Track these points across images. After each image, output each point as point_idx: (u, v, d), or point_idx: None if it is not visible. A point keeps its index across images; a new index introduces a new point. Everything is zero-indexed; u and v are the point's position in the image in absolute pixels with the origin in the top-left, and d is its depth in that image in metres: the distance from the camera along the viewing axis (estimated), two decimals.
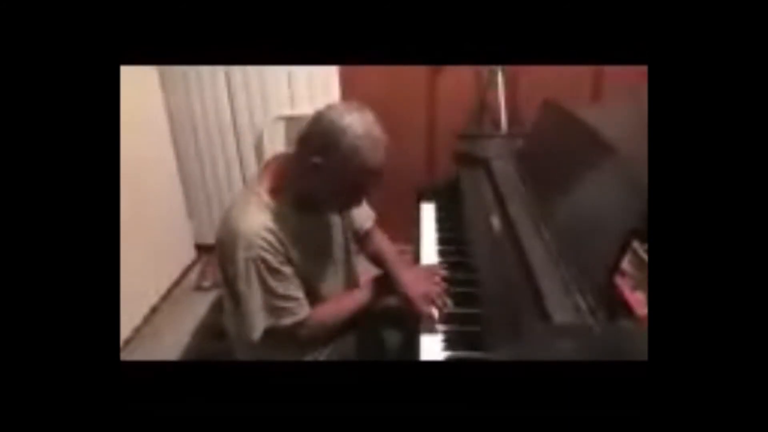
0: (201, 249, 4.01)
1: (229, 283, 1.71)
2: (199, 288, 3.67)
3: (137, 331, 3.21)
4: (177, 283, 3.72)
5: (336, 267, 1.93)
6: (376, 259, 2.10)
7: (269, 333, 1.70)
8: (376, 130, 1.59)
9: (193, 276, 3.82)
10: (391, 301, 1.97)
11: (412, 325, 1.77)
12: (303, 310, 1.73)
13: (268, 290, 1.65)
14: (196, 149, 3.73)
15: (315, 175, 1.61)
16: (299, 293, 1.72)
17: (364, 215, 2.10)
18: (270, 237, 1.61)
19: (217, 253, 1.74)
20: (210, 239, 3.93)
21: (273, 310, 1.68)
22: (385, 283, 1.90)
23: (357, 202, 1.77)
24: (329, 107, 1.62)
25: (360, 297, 1.87)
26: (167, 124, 3.61)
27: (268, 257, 1.61)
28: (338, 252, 1.95)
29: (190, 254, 3.96)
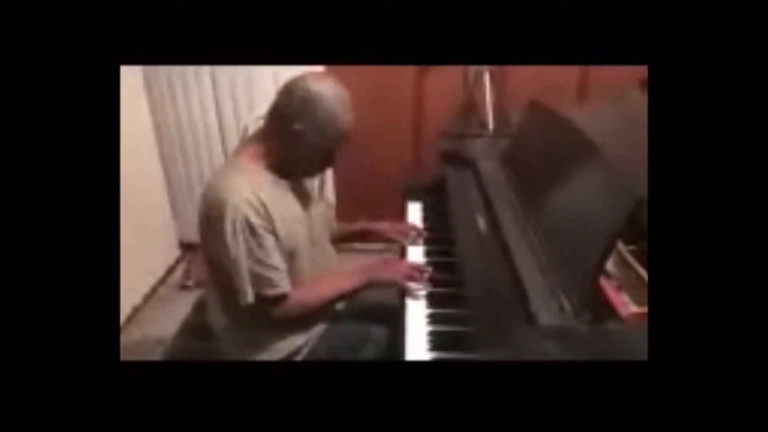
0: (185, 247, 3.97)
1: (214, 258, 1.74)
2: (183, 287, 3.63)
3: (120, 330, 3.16)
4: (161, 282, 3.69)
5: (316, 242, 1.96)
6: (350, 232, 2.33)
7: (252, 305, 1.72)
8: (344, 94, 1.72)
9: (177, 275, 3.79)
10: (376, 295, 2.02)
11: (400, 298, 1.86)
12: (285, 284, 1.75)
13: (252, 256, 1.68)
14: (180, 146, 3.70)
15: (294, 142, 1.70)
16: (281, 265, 1.75)
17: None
18: (255, 202, 1.66)
19: (202, 227, 1.77)
20: (195, 237, 3.92)
21: (256, 278, 1.71)
22: (369, 271, 1.94)
23: (331, 163, 1.88)
24: (298, 78, 1.71)
25: (343, 283, 1.91)
26: (151, 122, 3.58)
27: (254, 220, 1.65)
28: (318, 227, 1.99)
29: (174, 252, 3.93)
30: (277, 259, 1.73)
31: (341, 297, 1.92)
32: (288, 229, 1.77)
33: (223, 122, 3.59)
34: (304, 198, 1.91)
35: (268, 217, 1.69)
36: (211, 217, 1.68)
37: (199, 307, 2.30)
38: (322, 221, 2.05)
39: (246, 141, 1.88)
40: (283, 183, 1.80)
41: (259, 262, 1.69)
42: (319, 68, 3.32)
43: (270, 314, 1.77)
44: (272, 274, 1.72)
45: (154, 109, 3.57)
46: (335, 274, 2.01)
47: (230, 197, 1.64)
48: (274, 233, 1.72)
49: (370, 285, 1.92)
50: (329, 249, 2.10)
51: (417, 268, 1.93)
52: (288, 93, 1.70)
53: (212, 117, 3.58)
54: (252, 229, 1.66)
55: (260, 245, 1.68)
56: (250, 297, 1.71)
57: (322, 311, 1.91)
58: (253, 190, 1.67)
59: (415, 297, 1.83)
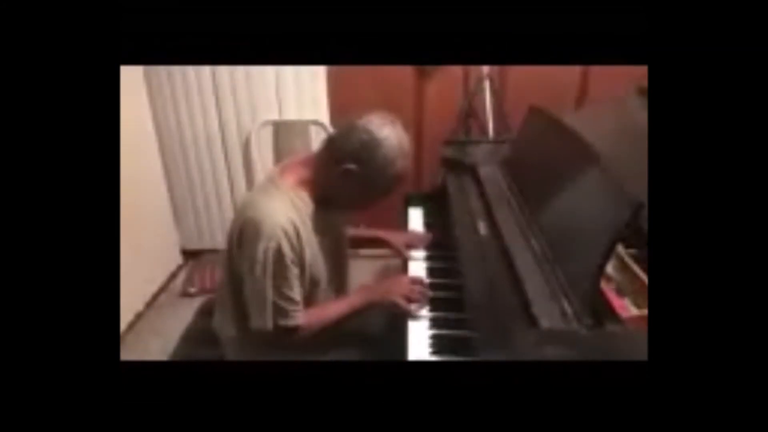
0: (187, 254, 3.97)
1: (235, 272, 1.73)
2: (185, 294, 3.62)
3: (122, 337, 3.17)
4: (163, 289, 3.68)
5: (335, 265, 1.95)
6: (359, 238, 2.31)
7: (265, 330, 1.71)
8: (407, 142, 1.69)
9: (179, 282, 3.78)
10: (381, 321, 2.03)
11: (400, 314, 1.82)
12: (299, 316, 1.74)
13: (275, 285, 1.67)
14: (182, 153, 3.70)
15: (345, 180, 1.68)
16: (299, 298, 1.74)
17: None
18: (290, 230, 1.64)
19: (232, 238, 1.75)
20: (197, 244, 3.93)
21: (275, 308, 1.69)
22: (368, 294, 1.92)
23: (374, 204, 1.83)
24: (365, 117, 1.69)
25: (343, 307, 1.88)
26: (153, 129, 3.59)
27: (286, 250, 1.64)
28: (341, 252, 1.99)
29: (176, 260, 3.93)
30: (296, 291, 1.72)
31: (341, 320, 1.87)
32: (315, 258, 1.77)
33: (225, 127, 3.61)
34: (338, 228, 1.94)
35: (299, 248, 1.68)
36: (245, 234, 1.67)
37: (203, 314, 2.30)
38: (347, 241, 2.06)
39: (295, 161, 1.86)
40: (322, 213, 1.79)
41: (280, 292, 1.68)
42: (320, 68, 3.36)
43: (276, 339, 1.76)
44: (289, 306, 1.71)
45: (155, 114, 3.58)
46: (337, 299, 1.98)
47: (268, 221, 1.62)
48: (301, 264, 1.71)
49: (369, 308, 1.89)
50: (348, 264, 2.10)
51: (417, 283, 1.90)
52: (350, 131, 1.67)
53: (213, 120, 3.60)
54: (281, 259, 1.64)
55: (285, 277, 1.67)
56: (269, 324, 1.70)
57: (328, 333, 1.89)
58: (292, 218, 1.66)
59: (416, 318, 1.78)
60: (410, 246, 2.26)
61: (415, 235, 2.37)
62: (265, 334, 1.72)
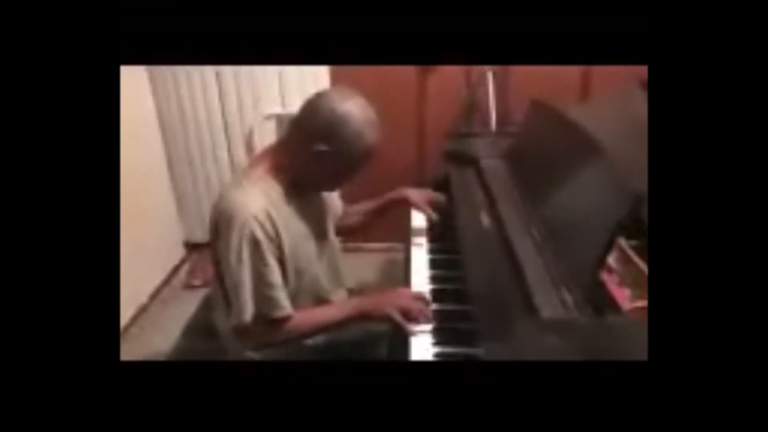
0: (191, 247, 3.98)
1: (220, 265, 1.72)
2: (188, 287, 3.64)
3: (125, 330, 3.18)
4: (166, 282, 3.69)
5: (321, 255, 1.94)
6: (364, 218, 2.28)
7: (250, 324, 1.69)
8: (371, 113, 1.68)
9: (182, 274, 3.79)
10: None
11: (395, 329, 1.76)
12: (288, 304, 1.72)
13: (257, 274, 1.65)
14: (186, 147, 3.70)
15: (318, 162, 1.67)
16: (282, 285, 1.71)
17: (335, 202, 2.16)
18: (265, 220, 1.63)
19: (211, 235, 1.75)
20: (200, 237, 3.93)
21: (261, 299, 1.68)
22: (364, 303, 1.83)
23: (351, 180, 1.82)
24: (323, 95, 1.69)
25: (337, 313, 1.83)
26: (157, 122, 3.59)
27: (262, 238, 1.63)
28: (323, 234, 1.97)
29: (179, 252, 3.94)
30: (279, 277, 1.70)
31: (334, 326, 1.83)
32: (295, 247, 1.75)
33: (228, 120, 3.60)
34: (317, 211, 1.91)
35: (276, 236, 1.67)
36: (220, 227, 1.66)
37: (205, 306, 2.30)
38: (329, 222, 2.03)
39: (265, 150, 1.85)
40: (298, 197, 1.78)
41: (264, 282, 1.66)
42: (323, 68, 3.35)
43: (267, 334, 1.75)
44: (277, 294, 1.69)
45: (159, 107, 3.58)
46: (331, 303, 1.97)
47: (240, 211, 1.62)
48: (280, 252, 1.70)
49: (363, 318, 1.82)
50: (337, 252, 2.09)
51: (418, 299, 1.77)
52: (312, 112, 1.66)
53: (216, 113, 3.59)
54: (258, 248, 1.63)
55: (266, 264, 1.65)
56: (248, 316, 1.67)
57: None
58: (265, 206, 1.65)
59: (412, 334, 1.65)
60: (430, 203, 2.23)
61: (432, 193, 2.32)
62: (253, 329, 1.70)
